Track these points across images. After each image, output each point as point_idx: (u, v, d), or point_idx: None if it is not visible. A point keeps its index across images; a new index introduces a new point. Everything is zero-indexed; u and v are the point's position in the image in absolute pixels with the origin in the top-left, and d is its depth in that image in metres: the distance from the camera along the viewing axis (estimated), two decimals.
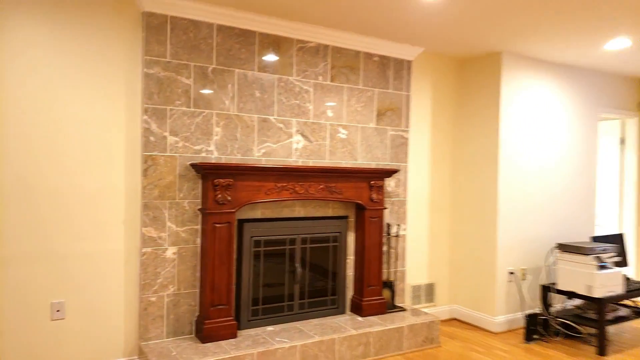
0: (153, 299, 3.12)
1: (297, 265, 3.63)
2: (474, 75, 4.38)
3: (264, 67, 3.47)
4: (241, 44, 3.37)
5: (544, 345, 3.89)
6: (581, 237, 4.71)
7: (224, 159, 3.33)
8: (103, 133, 3.01)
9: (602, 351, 3.67)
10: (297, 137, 3.62)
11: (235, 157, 3.37)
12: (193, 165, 3.17)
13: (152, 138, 3.09)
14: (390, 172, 3.83)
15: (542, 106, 4.41)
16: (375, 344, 3.51)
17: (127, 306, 3.12)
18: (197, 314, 3.27)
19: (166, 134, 3.13)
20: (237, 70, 3.36)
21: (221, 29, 3.30)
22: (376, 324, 3.60)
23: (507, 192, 4.20)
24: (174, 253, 3.18)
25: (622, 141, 5.33)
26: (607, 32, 3.55)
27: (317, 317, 3.71)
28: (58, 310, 2.92)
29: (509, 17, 3.26)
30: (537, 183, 4.40)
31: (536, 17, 3.26)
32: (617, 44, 3.84)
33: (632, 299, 4.20)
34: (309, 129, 3.67)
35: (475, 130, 4.36)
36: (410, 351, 3.68)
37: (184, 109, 3.19)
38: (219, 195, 3.15)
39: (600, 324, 3.69)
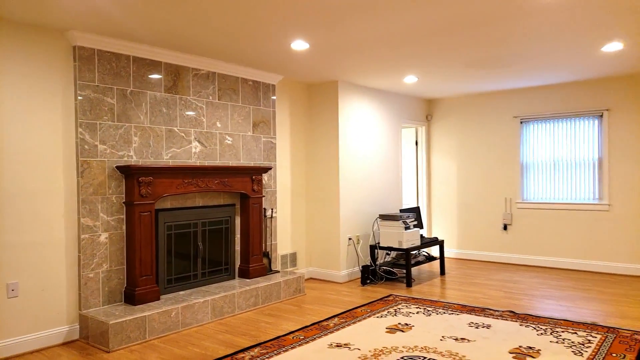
0: (91, 275, 3.90)
1: (199, 243, 4.68)
2: (320, 97, 5.92)
3: (169, 89, 4.44)
4: (151, 71, 4.31)
5: (374, 286, 5.59)
6: (393, 210, 6.62)
7: (141, 162, 4.22)
8: (45, 143, 3.69)
9: (409, 284, 5.51)
10: (195, 144, 4.67)
11: (149, 160, 4.28)
12: (119, 167, 4.02)
13: (86, 146, 3.86)
14: (266, 169, 5.11)
15: (365, 119, 6.16)
16: (262, 295, 4.77)
17: (69, 283, 3.83)
18: (125, 285, 4.12)
19: (97, 143, 3.93)
20: (149, 92, 4.29)
21: (136, 59, 4.19)
22: (261, 282, 4.85)
23: (345, 182, 5.82)
24: (106, 238, 3.99)
25: (417, 143, 7.47)
26: (403, 71, 5.37)
27: (216, 283, 4.82)
28: (13, 290, 3.53)
29: (342, 59, 4.82)
30: (364, 174, 6.13)
31: (359, 59, 4.88)
32: (410, 79, 5.73)
33: (425, 249, 6.20)
34: (204, 137, 4.74)
35: (322, 138, 5.89)
36: (286, 299, 5.02)
37: (110, 122, 4.01)
38: (143, 190, 4.07)
39: (407, 266, 5.52)
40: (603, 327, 3.88)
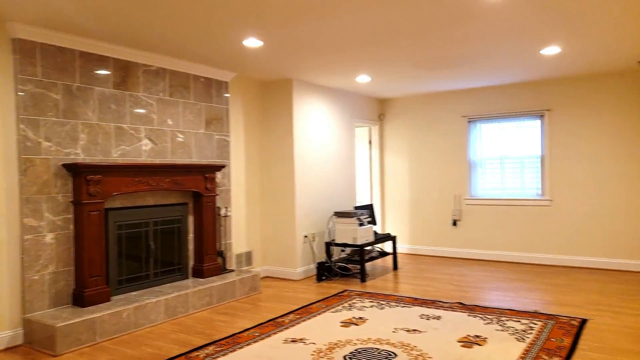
0: (36, 277, 3.74)
1: (151, 243, 4.59)
2: (274, 95, 5.92)
3: (118, 85, 4.33)
4: (99, 67, 4.18)
5: (329, 282, 5.65)
6: (347, 207, 6.71)
7: (89, 160, 4.10)
8: None
9: (363, 279, 5.60)
10: (146, 141, 4.57)
11: (97, 158, 4.16)
12: (66, 165, 3.88)
13: (28, 143, 3.71)
14: (219, 167, 5.07)
15: (320, 118, 6.22)
16: (216, 294, 4.73)
17: (11, 286, 3.66)
18: (74, 287, 3.98)
19: (41, 140, 3.78)
20: (96, 88, 4.16)
21: (83, 54, 4.06)
22: (216, 281, 4.81)
23: (300, 180, 5.86)
24: (52, 238, 3.84)
25: (370, 142, 7.60)
26: (356, 71, 5.47)
27: (169, 283, 4.73)
28: None
29: (296, 57, 4.85)
30: (319, 172, 6.19)
31: (313, 58, 4.93)
32: (363, 79, 5.84)
33: (378, 245, 6.33)
34: (155, 134, 4.65)
35: (277, 136, 5.90)
36: (241, 297, 5.00)
37: (55, 119, 3.87)
38: (92, 189, 3.94)
39: (362, 262, 5.62)
40: (544, 314, 4.10)
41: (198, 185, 4.90)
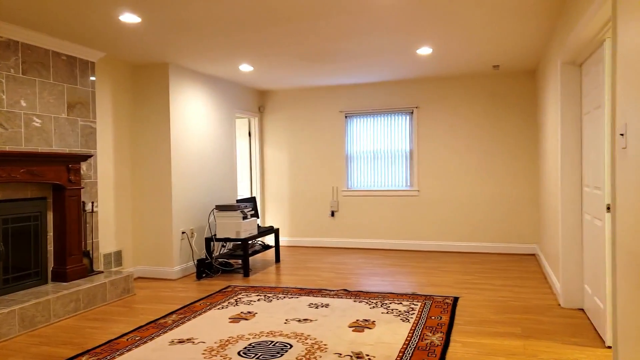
0: None
1: (0, 244, 3.91)
2: (148, 79, 5.46)
3: None
4: None
5: (211, 279, 5.40)
6: (229, 200, 6.49)
7: None
8: None
9: (246, 274, 5.46)
10: None
11: None
12: None
13: None
14: (85, 157, 4.52)
15: (198, 107, 5.90)
16: (84, 299, 4.21)
17: None
18: None
19: None
20: None
21: None
22: (82, 284, 4.28)
23: (177, 173, 5.50)
24: None
25: (250, 134, 7.46)
26: (238, 58, 5.29)
27: (23, 289, 4.09)
28: None
29: (175, 38, 4.53)
30: (198, 165, 5.87)
31: (193, 41, 4.65)
32: (245, 67, 5.67)
33: (261, 238, 6.22)
34: (4, 117, 3.97)
35: (151, 125, 5.45)
36: (113, 301, 4.52)
37: None
38: None
39: (245, 256, 5.47)
40: (421, 295, 4.39)
41: (60, 177, 4.31)
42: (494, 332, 3.43)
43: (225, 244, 6.23)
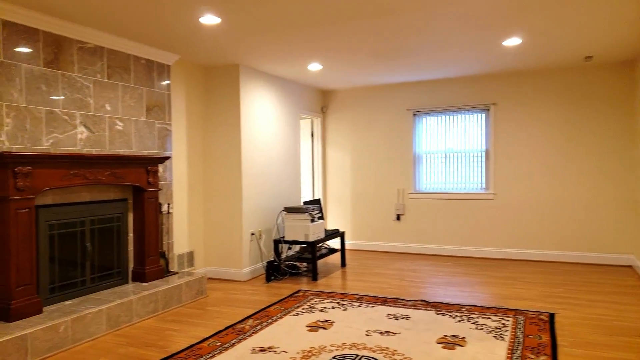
0: None
1: (88, 244, 4.03)
2: (219, 81, 5.49)
3: (49, 63, 3.72)
4: (27, 40, 3.55)
5: (279, 282, 5.38)
6: (294, 202, 6.46)
7: (15, 149, 3.47)
8: None
9: (314, 278, 5.40)
10: (81, 128, 3.99)
11: (26, 147, 3.54)
12: None
13: None
14: (162, 159, 4.58)
15: (267, 108, 5.89)
16: (162, 300, 4.27)
17: None
18: None
19: None
20: (24, 64, 3.53)
21: (7, 24, 3.42)
22: (160, 286, 4.35)
23: (247, 173, 5.50)
24: None
25: (312, 135, 7.40)
26: (309, 57, 5.22)
27: (107, 289, 4.19)
28: None
29: (251, 38, 4.50)
30: (265, 166, 5.86)
31: (268, 41, 4.60)
32: (314, 66, 5.60)
33: (327, 242, 6.15)
34: (91, 121, 4.08)
35: (222, 126, 5.48)
36: (188, 302, 4.57)
37: None
38: (20, 183, 3.34)
39: (313, 260, 5.41)
40: (510, 310, 4.14)
41: (140, 179, 4.39)
42: (606, 358, 3.16)
43: (290, 247, 6.19)
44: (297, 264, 5.88)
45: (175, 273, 4.81)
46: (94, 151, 4.08)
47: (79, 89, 3.96)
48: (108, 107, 4.23)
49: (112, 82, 4.27)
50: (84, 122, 4.00)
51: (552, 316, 3.96)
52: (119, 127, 4.34)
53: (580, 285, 4.99)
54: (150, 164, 4.49)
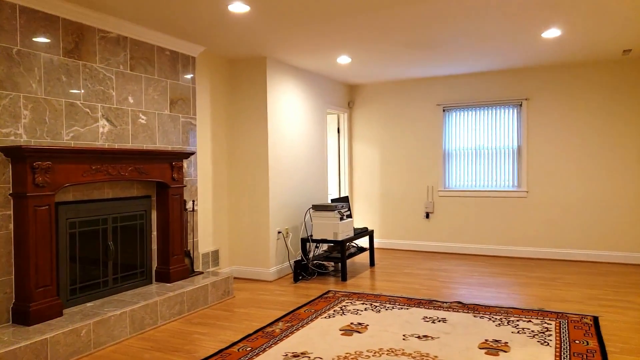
0: None
1: (110, 243, 3.86)
2: (245, 74, 5.29)
3: (70, 53, 3.56)
4: (46, 28, 3.39)
5: (307, 282, 5.16)
6: (321, 200, 6.23)
7: (34, 143, 3.31)
8: None
9: (344, 278, 5.16)
10: (103, 122, 3.82)
11: (45, 141, 3.38)
12: (5, 149, 3.09)
13: None
14: (187, 154, 4.40)
15: (293, 102, 5.67)
16: (188, 301, 4.09)
17: None
18: (14, 300, 3.20)
19: None
20: (43, 54, 3.37)
21: (24, 10, 3.26)
22: (186, 286, 4.16)
23: (274, 170, 5.29)
24: None
25: (339, 130, 7.16)
26: (338, 49, 4.98)
27: (130, 289, 4.03)
28: None
29: (280, 28, 4.28)
30: (292, 162, 5.65)
31: (298, 31, 4.38)
32: (343, 59, 5.36)
33: (356, 241, 5.91)
34: (113, 114, 3.91)
35: (248, 121, 5.28)
36: (214, 303, 4.38)
37: None
38: (39, 178, 3.18)
39: (343, 259, 5.17)
40: (551, 313, 3.87)
41: (164, 175, 4.21)
42: None
43: (318, 245, 5.97)
44: (325, 263, 5.65)
45: (201, 273, 4.63)
46: (117, 145, 3.92)
47: (100, 81, 3.79)
48: (131, 100, 4.06)
49: (136, 74, 4.10)
50: (105, 115, 3.84)
51: (596, 319, 3.67)
52: (142, 121, 4.17)
53: (624, 287, 4.66)
54: (175, 159, 4.31)
